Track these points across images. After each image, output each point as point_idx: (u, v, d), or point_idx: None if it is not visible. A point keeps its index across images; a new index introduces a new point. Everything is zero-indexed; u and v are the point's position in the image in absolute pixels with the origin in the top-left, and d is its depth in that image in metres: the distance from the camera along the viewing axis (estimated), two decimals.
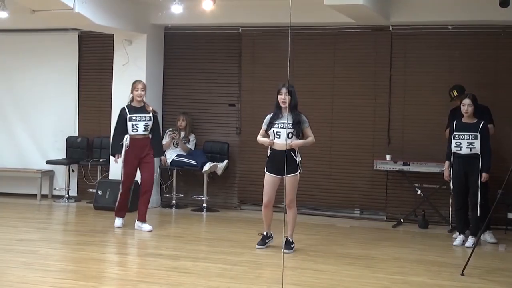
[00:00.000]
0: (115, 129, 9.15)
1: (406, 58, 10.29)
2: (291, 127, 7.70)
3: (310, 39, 10.62)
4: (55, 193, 11.83)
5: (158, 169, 10.81)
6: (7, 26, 11.18)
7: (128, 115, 8.90)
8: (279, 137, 7.71)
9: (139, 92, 8.94)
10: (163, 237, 8.73)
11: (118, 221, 9.19)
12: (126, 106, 9.04)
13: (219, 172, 10.84)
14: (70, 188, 11.66)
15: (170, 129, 10.96)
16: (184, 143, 10.88)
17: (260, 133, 7.94)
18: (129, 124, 8.87)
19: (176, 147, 10.86)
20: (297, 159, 7.76)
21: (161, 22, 10.87)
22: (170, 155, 10.90)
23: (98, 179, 11.34)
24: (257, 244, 8.02)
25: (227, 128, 11.17)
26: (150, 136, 9.02)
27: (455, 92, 9.18)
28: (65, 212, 11.02)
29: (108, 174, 11.20)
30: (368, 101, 10.42)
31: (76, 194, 11.78)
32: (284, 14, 8.37)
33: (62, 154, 11.79)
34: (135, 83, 9.05)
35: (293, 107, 7.75)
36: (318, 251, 7.97)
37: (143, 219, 9.04)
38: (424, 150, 9.97)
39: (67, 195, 11.58)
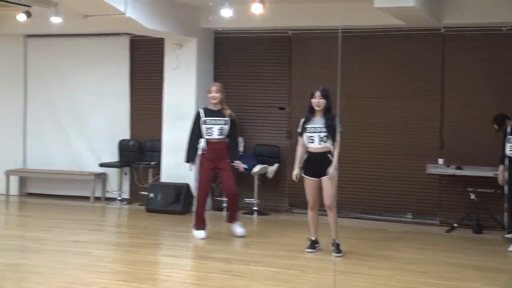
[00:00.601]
0: (190, 133, 8.84)
1: (459, 60, 10.14)
2: (324, 131, 7.66)
3: (360, 41, 10.52)
4: (108, 195, 11.96)
5: None
6: (61, 31, 11.35)
7: (203, 118, 8.65)
8: (312, 142, 7.71)
9: (213, 94, 8.65)
10: (215, 240, 8.74)
11: (199, 233, 8.78)
12: (202, 108, 8.82)
13: (269, 175, 10.83)
14: (122, 190, 11.81)
15: None
16: None
17: (298, 142, 7.94)
18: (203, 127, 8.61)
19: None
20: (334, 161, 7.69)
21: (211, 26, 10.91)
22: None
23: (150, 181, 11.41)
24: (307, 248, 8.01)
25: (277, 131, 11.15)
26: (227, 141, 8.70)
27: (495, 126, 9.04)
28: (118, 214, 11.15)
29: (160, 177, 11.25)
30: (419, 104, 10.30)
31: (128, 197, 11.88)
32: (334, 17, 8.56)
33: (115, 157, 11.92)
34: (209, 86, 8.85)
35: (327, 111, 7.72)
36: (371, 256, 7.90)
37: (233, 220, 8.89)
38: (478, 154, 9.80)
39: (119, 198, 11.72)
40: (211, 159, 8.58)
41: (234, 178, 8.79)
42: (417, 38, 10.29)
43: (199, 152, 8.64)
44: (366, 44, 10.57)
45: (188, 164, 8.77)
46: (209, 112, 8.69)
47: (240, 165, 8.82)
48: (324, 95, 7.72)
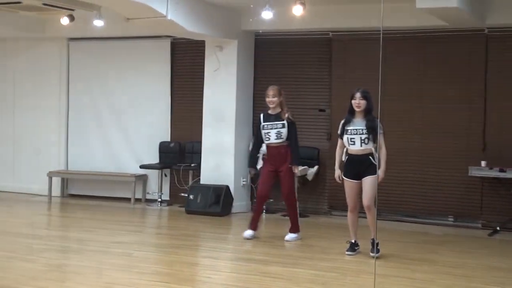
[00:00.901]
0: (253, 138, 9.01)
1: (503, 62, 9.95)
2: (365, 132, 7.63)
3: (402, 43, 10.41)
4: (148, 197, 12.03)
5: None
6: (103, 34, 11.58)
7: (262, 123, 8.67)
8: (354, 143, 7.69)
9: (270, 98, 8.65)
10: (254, 242, 8.75)
11: (247, 232, 8.85)
12: (263, 113, 8.83)
13: (309, 177, 10.77)
14: (162, 192, 11.85)
15: None
16: None
17: (338, 144, 7.94)
18: (262, 133, 8.66)
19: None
20: (375, 162, 7.65)
21: (252, 28, 10.89)
22: (260, 160, 10.83)
23: (190, 183, 11.45)
24: (347, 251, 7.96)
25: (317, 133, 11.11)
26: (287, 144, 8.63)
27: None
28: (158, 215, 11.19)
29: (200, 178, 11.30)
30: (461, 105, 10.17)
31: (168, 198, 11.92)
32: (375, 18, 8.51)
33: (155, 159, 11.97)
34: (266, 90, 8.79)
35: (367, 112, 7.69)
36: (412, 259, 7.82)
37: (290, 230, 8.85)
38: None
39: (159, 199, 11.77)
40: (272, 163, 8.64)
41: (292, 183, 8.76)
42: (460, 39, 10.15)
43: (261, 156, 8.86)
44: (407, 46, 10.46)
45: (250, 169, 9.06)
46: (267, 117, 8.70)
47: (295, 169, 8.69)
48: (364, 96, 7.70)
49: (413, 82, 10.45)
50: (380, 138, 7.65)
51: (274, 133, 8.58)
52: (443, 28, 9.90)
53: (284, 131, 8.57)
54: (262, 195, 8.80)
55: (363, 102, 7.67)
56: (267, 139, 8.64)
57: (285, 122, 8.57)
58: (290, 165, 8.62)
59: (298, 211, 8.97)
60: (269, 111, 8.72)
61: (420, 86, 10.40)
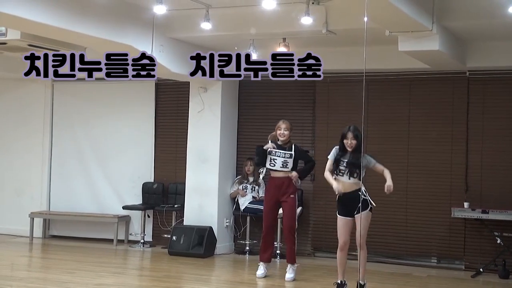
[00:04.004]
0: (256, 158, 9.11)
1: (484, 104, 10.01)
2: (353, 168, 7.58)
3: (385, 85, 10.48)
4: (131, 238, 11.91)
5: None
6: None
7: (270, 149, 8.80)
8: (342, 175, 7.66)
9: (282, 131, 8.82)
10: (236, 284, 8.63)
11: (259, 270, 8.89)
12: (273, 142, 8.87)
13: None
14: (145, 233, 11.70)
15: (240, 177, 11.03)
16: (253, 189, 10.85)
17: (327, 167, 7.84)
18: (268, 157, 8.78)
19: (246, 191, 10.81)
20: (367, 197, 7.63)
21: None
22: (244, 202, 10.87)
23: (173, 224, 11.33)
24: None
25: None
26: (290, 175, 8.77)
27: None
28: (141, 257, 11.04)
29: (183, 219, 11.20)
30: (444, 147, 10.19)
31: (151, 239, 11.77)
32: (358, 60, 8.30)
33: (138, 200, 11.89)
34: (279, 122, 8.90)
35: (356, 151, 7.64)
36: None
37: (288, 261, 8.85)
38: (504, 198, 9.67)
39: (142, 240, 11.63)
40: (274, 193, 8.75)
41: (294, 214, 8.83)
42: (442, 81, 10.21)
43: (261, 176, 9.12)
44: (391, 87, 10.51)
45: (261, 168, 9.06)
46: (276, 146, 8.83)
47: (294, 175, 8.78)
48: (356, 136, 7.67)
49: (397, 123, 10.47)
50: (378, 166, 7.73)
51: (280, 161, 8.70)
52: (426, 71, 9.96)
53: (291, 161, 8.69)
54: (268, 225, 8.85)
55: (354, 142, 7.64)
56: (272, 165, 8.72)
57: (292, 153, 8.71)
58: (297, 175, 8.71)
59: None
60: (278, 143, 8.84)
61: (404, 128, 10.42)
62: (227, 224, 11.09)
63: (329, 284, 8.06)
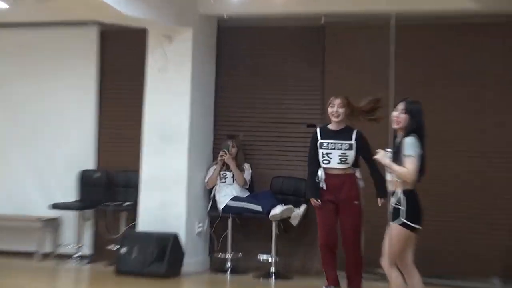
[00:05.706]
0: (307, 159, 8.12)
1: None
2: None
3: (417, 34, 9.24)
4: (62, 250, 10.32)
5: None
6: (8, 19, 10.12)
7: (319, 140, 7.76)
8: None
9: (335, 109, 7.70)
10: None
11: None
12: (319, 126, 7.99)
13: (294, 221, 9.17)
14: (82, 243, 10.20)
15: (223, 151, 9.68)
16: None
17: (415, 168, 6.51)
18: (319, 153, 7.70)
19: (226, 182, 9.52)
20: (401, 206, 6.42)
21: (214, 12, 9.62)
22: (224, 198, 9.41)
23: (122, 230, 9.88)
24: None
25: (304, 158, 9.15)
26: (353, 172, 7.80)
27: None
28: (75, 279, 9.59)
29: (136, 223, 9.69)
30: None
31: (91, 252, 10.25)
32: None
33: (72, 195, 10.30)
34: (330, 99, 7.92)
35: (410, 131, 6.50)
36: None
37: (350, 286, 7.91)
38: None
39: (78, 254, 10.10)
40: (331, 195, 7.74)
41: (359, 222, 7.78)
42: (494, 28, 8.95)
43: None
44: (425, 38, 9.29)
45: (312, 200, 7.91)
46: (327, 133, 7.82)
47: (380, 201, 7.65)
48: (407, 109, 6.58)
49: (432, 89, 9.09)
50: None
51: (337, 156, 7.66)
52: (473, 13, 8.67)
53: (351, 154, 7.67)
54: (328, 244, 7.70)
55: (403, 117, 6.51)
56: (326, 162, 7.68)
57: (353, 142, 7.69)
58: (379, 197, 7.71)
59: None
60: (330, 126, 7.80)
61: (441, 94, 9.06)
62: (200, 229, 9.64)
63: None
